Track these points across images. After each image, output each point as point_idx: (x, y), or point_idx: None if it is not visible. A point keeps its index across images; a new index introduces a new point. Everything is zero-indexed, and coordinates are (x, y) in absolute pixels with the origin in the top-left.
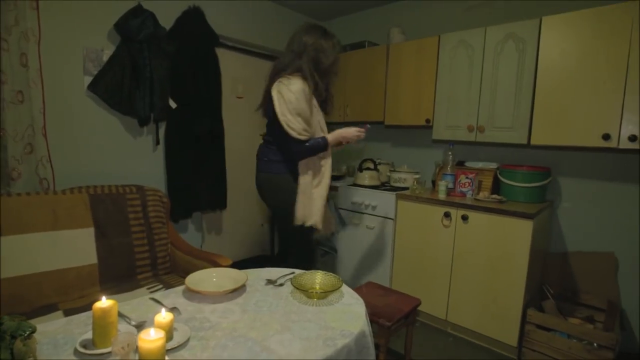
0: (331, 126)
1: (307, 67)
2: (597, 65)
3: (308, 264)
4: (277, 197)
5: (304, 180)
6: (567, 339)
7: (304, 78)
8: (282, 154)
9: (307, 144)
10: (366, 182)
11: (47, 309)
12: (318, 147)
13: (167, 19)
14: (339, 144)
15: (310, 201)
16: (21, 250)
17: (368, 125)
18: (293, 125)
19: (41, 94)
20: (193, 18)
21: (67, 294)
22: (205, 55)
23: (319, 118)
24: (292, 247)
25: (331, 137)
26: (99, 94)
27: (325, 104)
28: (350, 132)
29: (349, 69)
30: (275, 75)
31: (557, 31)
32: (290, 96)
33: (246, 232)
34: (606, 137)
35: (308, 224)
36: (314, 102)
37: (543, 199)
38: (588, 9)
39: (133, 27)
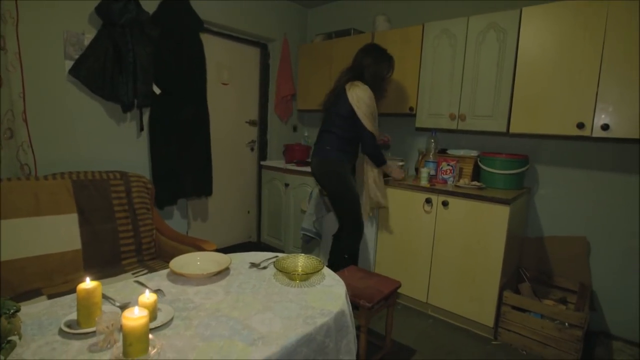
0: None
1: (369, 79)
2: (573, 56)
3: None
4: (340, 180)
5: (369, 171)
6: (541, 319)
7: (369, 86)
8: (346, 145)
9: (376, 143)
10: None
11: (31, 294)
12: (380, 155)
13: (150, 3)
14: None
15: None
16: (3, 235)
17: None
18: (370, 123)
19: (20, 78)
20: (177, 2)
21: (51, 279)
22: (189, 41)
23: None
24: (347, 223)
25: (389, 164)
26: (81, 79)
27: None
28: (398, 173)
29: (334, 56)
30: (344, 81)
31: (536, 22)
32: (367, 100)
33: (232, 218)
34: (580, 126)
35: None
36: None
37: (521, 186)
38: (566, 1)
39: (115, 11)
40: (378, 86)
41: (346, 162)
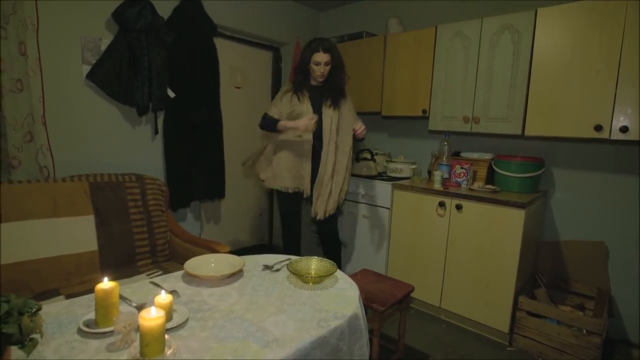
0: None
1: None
2: (590, 57)
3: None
4: None
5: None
6: (557, 326)
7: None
8: None
9: (263, 123)
10: (363, 172)
11: (48, 294)
12: (267, 122)
13: (165, 9)
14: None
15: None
16: (22, 236)
17: (316, 116)
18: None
19: (40, 82)
20: (191, 7)
21: (67, 280)
22: (203, 45)
23: (301, 109)
24: None
25: (283, 122)
26: (98, 83)
27: (334, 97)
28: (300, 123)
29: (347, 59)
30: None
31: (552, 23)
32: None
33: (245, 221)
34: (598, 128)
35: (267, 184)
36: (296, 97)
37: (536, 189)
38: (582, 1)
39: (131, 17)
40: (303, 72)
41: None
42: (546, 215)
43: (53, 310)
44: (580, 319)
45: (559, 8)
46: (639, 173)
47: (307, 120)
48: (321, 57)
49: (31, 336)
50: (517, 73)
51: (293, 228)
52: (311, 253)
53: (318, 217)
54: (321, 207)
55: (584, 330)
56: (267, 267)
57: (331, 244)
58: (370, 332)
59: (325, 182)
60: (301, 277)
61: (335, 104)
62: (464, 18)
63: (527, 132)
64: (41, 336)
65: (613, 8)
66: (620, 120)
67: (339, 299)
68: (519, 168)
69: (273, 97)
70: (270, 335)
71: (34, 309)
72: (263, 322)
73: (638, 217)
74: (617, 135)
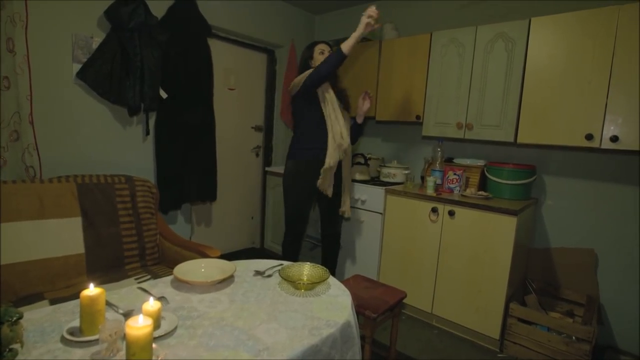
0: None
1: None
2: (582, 66)
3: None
4: (283, 183)
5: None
6: (547, 332)
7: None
8: (295, 141)
9: (320, 64)
10: (356, 177)
11: (33, 298)
12: (333, 58)
13: (159, 8)
14: (358, 41)
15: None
16: (6, 238)
17: (373, 7)
18: (304, 75)
19: (28, 80)
20: (185, 7)
21: (53, 283)
22: (197, 46)
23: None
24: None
25: (345, 43)
26: (88, 82)
27: (341, 98)
28: (361, 24)
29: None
30: None
31: (545, 32)
32: (295, 79)
33: (236, 224)
34: (589, 137)
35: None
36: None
37: (528, 196)
38: (575, 11)
39: (124, 15)
40: (306, 68)
41: (298, 158)
42: (537, 222)
43: (36, 316)
44: (570, 326)
45: (552, 18)
46: (637, 182)
47: (370, 12)
48: (324, 46)
49: (11, 346)
50: (511, 81)
51: (301, 233)
52: (304, 258)
53: (346, 215)
54: (347, 204)
55: (574, 337)
56: (258, 273)
57: (334, 244)
58: (362, 338)
59: (347, 180)
60: (293, 283)
61: (345, 106)
62: (458, 25)
63: (520, 140)
64: (21, 346)
65: (605, 18)
66: (610, 130)
67: (332, 306)
68: (511, 175)
69: (267, 100)
70: (261, 344)
71: (15, 318)
72: (254, 330)
73: (629, 224)
74: (607, 145)
